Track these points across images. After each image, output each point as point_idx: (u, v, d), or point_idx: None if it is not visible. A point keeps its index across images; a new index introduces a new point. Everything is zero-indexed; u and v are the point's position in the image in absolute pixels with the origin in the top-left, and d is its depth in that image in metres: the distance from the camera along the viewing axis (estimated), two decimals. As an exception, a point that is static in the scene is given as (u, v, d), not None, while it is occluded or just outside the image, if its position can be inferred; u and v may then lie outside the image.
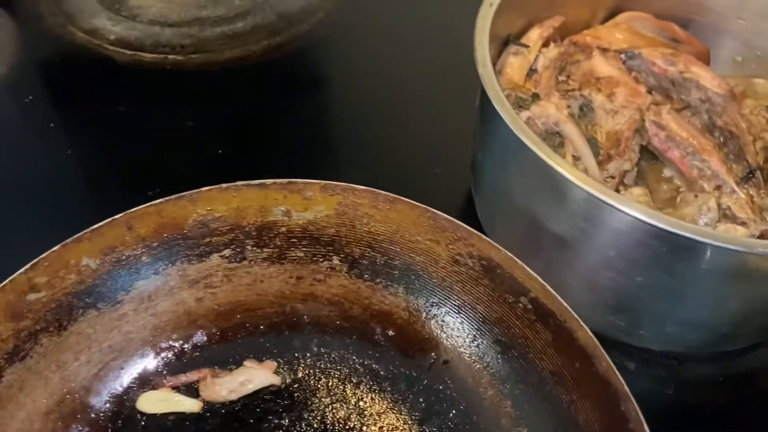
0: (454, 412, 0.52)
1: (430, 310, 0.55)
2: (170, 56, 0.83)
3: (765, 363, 0.59)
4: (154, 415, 0.53)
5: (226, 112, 0.79)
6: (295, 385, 0.54)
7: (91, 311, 0.53)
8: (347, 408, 0.53)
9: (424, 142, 0.75)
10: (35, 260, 0.50)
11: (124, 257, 0.53)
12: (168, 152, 0.73)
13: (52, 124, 0.75)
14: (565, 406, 0.47)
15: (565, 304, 0.46)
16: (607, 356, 0.44)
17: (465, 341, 0.53)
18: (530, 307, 0.49)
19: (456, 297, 0.53)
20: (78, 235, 0.51)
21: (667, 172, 0.62)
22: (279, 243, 0.57)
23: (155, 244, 0.54)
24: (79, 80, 0.81)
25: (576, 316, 0.45)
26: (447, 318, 0.54)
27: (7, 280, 0.49)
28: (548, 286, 0.47)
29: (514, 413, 0.50)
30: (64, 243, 0.51)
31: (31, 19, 0.87)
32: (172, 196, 0.53)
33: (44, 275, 0.50)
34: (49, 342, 0.51)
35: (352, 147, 0.75)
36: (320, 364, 0.55)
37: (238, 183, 0.54)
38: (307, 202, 0.55)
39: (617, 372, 0.43)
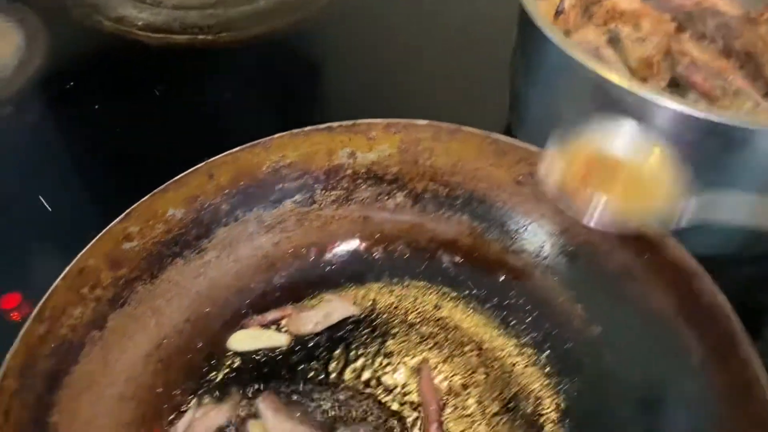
0: (528, 321, 0.55)
1: (495, 233, 0.58)
2: (199, 36, 0.86)
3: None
4: (246, 352, 0.56)
5: (260, 84, 0.82)
6: (373, 314, 0.58)
7: (178, 260, 0.56)
8: (426, 328, 0.57)
9: (454, 90, 0.79)
10: (127, 210, 0.53)
11: (205, 206, 0.57)
12: (211, 123, 0.76)
13: (96, 106, 0.77)
14: (636, 298, 0.51)
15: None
16: (674, 240, 0.48)
17: (531, 256, 0.57)
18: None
19: (520, 216, 0.57)
20: (164, 185, 0.54)
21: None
22: (346, 185, 0.60)
23: (233, 192, 0.57)
24: (115, 65, 0.84)
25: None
26: (512, 238, 0.58)
27: (104, 230, 0.52)
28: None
29: (585, 315, 0.54)
30: (152, 193, 0.54)
31: (57, 13, 0.90)
32: (247, 145, 0.57)
33: (136, 225, 0.53)
34: (143, 289, 0.54)
35: (385, 105, 0.78)
36: (394, 293, 0.59)
37: (306, 128, 0.58)
38: (371, 143, 0.59)
39: (687, 252, 0.47)
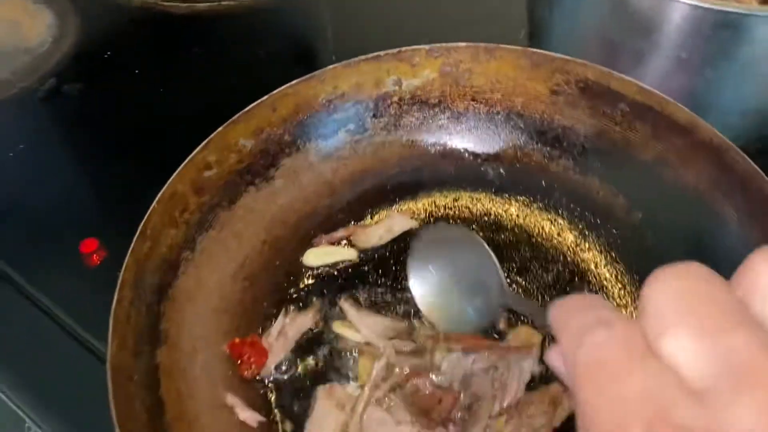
0: (574, 215, 0.61)
1: (534, 144, 0.64)
2: (223, 2, 0.91)
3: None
4: (319, 266, 0.61)
5: (286, 42, 0.87)
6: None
7: (251, 187, 0.61)
8: (479, 230, 0.62)
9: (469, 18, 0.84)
10: (205, 141, 0.58)
11: (271, 136, 0.61)
12: (246, 76, 0.80)
13: (137, 71, 0.82)
14: (672, 182, 0.57)
15: (662, 94, 0.56)
16: (705, 122, 0.54)
17: (569, 160, 0.63)
18: (628, 110, 0.59)
19: (557, 124, 0.63)
20: (234, 117, 0.59)
21: None
22: (393, 111, 0.65)
23: (294, 122, 0.62)
24: (146, 35, 0.88)
25: (672, 99, 0.55)
26: (551, 145, 0.63)
27: (187, 159, 0.56)
28: (644, 84, 0.56)
29: (626, 204, 0.60)
30: (225, 125, 0.59)
31: (82, -7, 0.94)
32: (303, 77, 0.62)
33: (214, 154, 0.58)
34: (224, 215, 0.59)
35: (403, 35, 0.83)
36: (446, 204, 0.64)
37: (355, 59, 0.63)
38: (415, 69, 0.64)
39: (718, 132, 0.53)
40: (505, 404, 0.51)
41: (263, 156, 0.61)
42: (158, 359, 0.50)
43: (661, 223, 0.58)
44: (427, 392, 0.51)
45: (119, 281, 0.49)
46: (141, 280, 0.51)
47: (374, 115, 0.65)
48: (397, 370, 0.53)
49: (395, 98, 0.65)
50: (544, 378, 0.53)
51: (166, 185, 0.55)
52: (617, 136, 0.60)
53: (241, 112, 0.59)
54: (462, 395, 0.51)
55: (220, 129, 0.58)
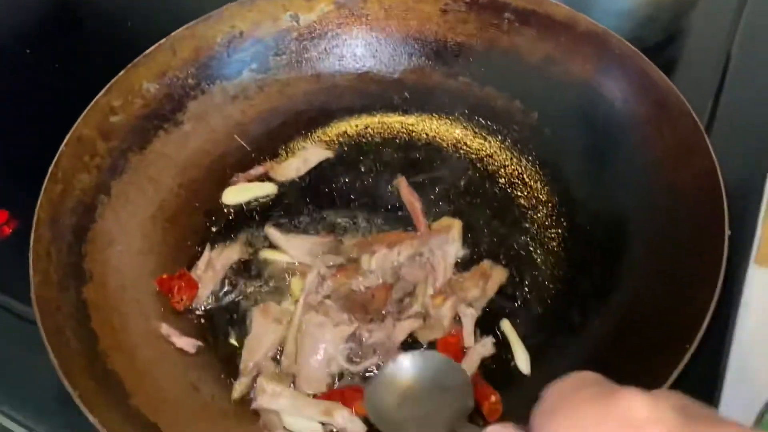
0: (475, 122, 0.65)
1: (433, 64, 0.67)
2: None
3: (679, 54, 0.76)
4: (239, 203, 0.62)
5: None
6: (344, 155, 0.65)
7: (160, 132, 0.61)
8: (391, 150, 0.64)
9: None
10: (108, 85, 0.57)
11: (174, 80, 0.61)
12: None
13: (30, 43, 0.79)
14: (560, 77, 0.61)
15: (540, -4, 0.60)
16: (582, 15, 0.59)
17: (467, 75, 0.66)
18: (513, 17, 0.62)
19: (451, 42, 0.66)
20: (134, 60, 0.59)
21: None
22: (294, 48, 0.67)
23: (196, 65, 0.63)
24: None
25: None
26: (449, 62, 0.66)
27: (91, 103, 0.56)
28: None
29: (522, 106, 0.64)
30: (126, 68, 0.58)
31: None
32: (201, 18, 0.62)
33: (118, 99, 0.58)
34: (136, 159, 0.59)
35: None
36: (358, 133, 0.66)
37: (251, -4, 0.64)
38: (310, 3, 0.65)
39: (595, 22, 0.58)
40: (438, 284, 0.53)
41: (169, 100, 0.61)
42: (85, 295, 0.49)
43: (556, 117, 0.62)
44: (361, 291, 0.53)
45: (34, 220, 0.48)
46: (57, 221, 0.50)
47: (276, 53, 0.66)
48: (328, 280, 0.54)
49: (294, 34, 0.66)
50: (471, 260, 0.56)
51: (71, 130, 0.54)
52: (507, 44, 0.64)
53: (141, 56, 0.59)
54: (394, 287, 0.53)
55: (121, 73, 0.58)
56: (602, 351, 0.49)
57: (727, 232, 0.47)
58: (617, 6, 0.67)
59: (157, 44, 0.60)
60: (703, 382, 0.51)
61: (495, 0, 0.63)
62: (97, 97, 0.56)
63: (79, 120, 0.54)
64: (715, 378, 0.51)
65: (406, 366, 0.47)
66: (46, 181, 0.51)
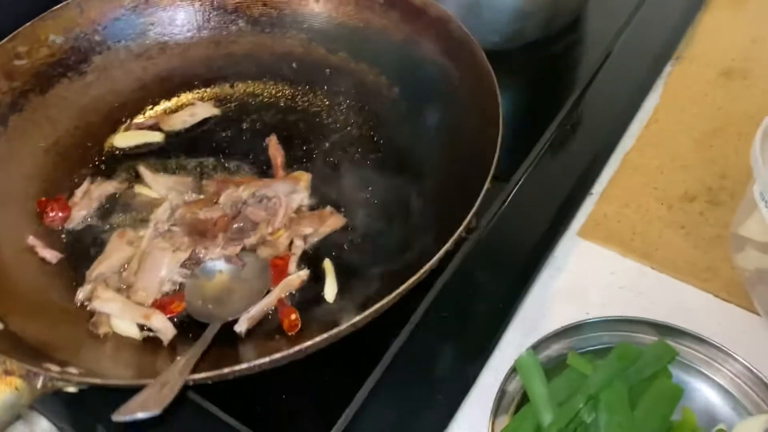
0: (351, 94, 0.72)
1: (318, 40, 0.74)
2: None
3: (561, 50, 0.83)
4: (127, 147, 0.70)
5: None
6: (229, 114, 0.73)
7: (64, 79, 0.69)
8: (272, 114, 0.72)
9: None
10: (14, 33, 0.66)
11: (80, 35, 0.70)
12: None
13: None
14: (415, 55, 0.68)
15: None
16: (435, 2, 0.66)
17: (345, 51, 0.73)
18: (382, 1, 0.70)
19: (335, 21, 0.73)
20: (42, 15, 0.68)
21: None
22: (196, 18, 0.75)
23: (103, 23, 0.71)
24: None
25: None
26: (332, 40, 0.74)
27: (-4, 47, 0.65)
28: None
29: (387, 81, 0.71)
30: (32, 21, 0.67)
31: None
32: (108, -19, 0.71)
33: (24, 45, 0.66)
34: (36, 100, 0.67)
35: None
36: (246, 96, 0.74)
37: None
38: (208, -26, 0.74)
39: (444, 9, 0.65)
40: (275, 225, 0.61)
41: (74, 52, 0.70)
42: (-37, 201, 0.58)
43: (411, 93, 0.69)
44: (203, 218, 0.60)
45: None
46: (-53, 138, 0.59)
47: (178, 21, 0.74)
48: (179, 210, 0.62)
49: (196, 3, 0.75)
50: (316, 208, 0.64)
51: (-26, 66, 0.63)
52: (378, 24, 0.71)
53: (48, 11, 0.68)
54: (236, 219, 0.61)
55: (27, 24, 0.67)
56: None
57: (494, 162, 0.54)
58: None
59: (65, 2, 0.69)
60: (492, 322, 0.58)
61: (367, -12, 0.71)
62: (1, 42, 0.65)
63: (-19, 61, 0.63)
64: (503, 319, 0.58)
65: (215, 264, 0.58)
66: (-58, 105, 0.59)
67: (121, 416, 0.39)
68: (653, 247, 0.63)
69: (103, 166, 0.68)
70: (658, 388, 0.51)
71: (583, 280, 0.62)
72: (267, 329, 0.55)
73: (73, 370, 0.45)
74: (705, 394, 0.53)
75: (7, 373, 0.44)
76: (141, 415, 0.38)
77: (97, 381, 0.43)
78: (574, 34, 0.84)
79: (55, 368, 0.43)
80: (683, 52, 0.81)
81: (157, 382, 0.41)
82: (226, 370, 0.42)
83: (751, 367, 0.51)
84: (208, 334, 0.50)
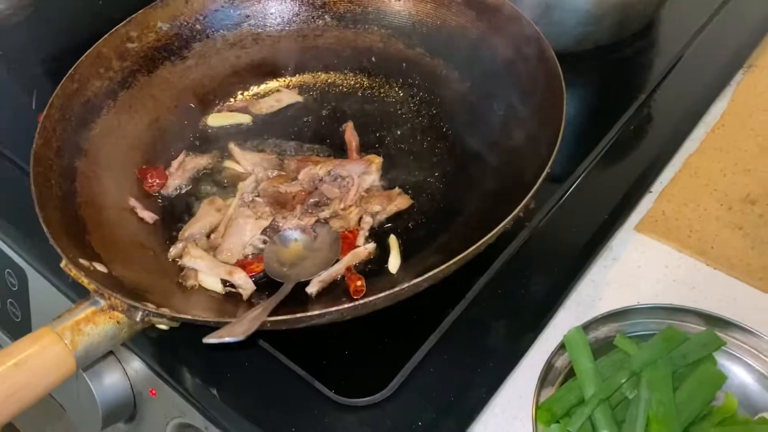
0: (425, 88, 0.77)
1: (398, 36, 0.80)
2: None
3: (631, 54, 0.85)
4: (219, 126, 0.77)
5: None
6: (312, 101, 0.79)
7: (167, 62, 0.77)
8: (350, 103, 0.78)
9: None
10: (128, 19, 0.74)
11: (184, 24, 0.78)
12: None
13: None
14: (490, 56, 0.72)
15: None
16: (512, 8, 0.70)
17: (423, 47, 0.78)
18: (460, 1, 0.75)
19: (414, 18, 0.78)
20: (152, 4, 0.76)
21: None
22: (286, 11, 0.81)
23: (204, 14, 0.79)
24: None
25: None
26: (410, 36, 0.79)
27: (112, 30, 0.73)
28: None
29: (458, 76, 0.75)
30: (143, 9, 0.75)
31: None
32: (214, -23, 0.78)
33: (135, 30, 0.74)
34: (143, 79, 0.75)
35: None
36: (327, 85, 0.80)
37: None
38: (302, -25, 0.80)
39: (516, 8, 0.69)
40: (347, 202, 0.66)
41: (178, 39, 0.78)
42: (77, 165, 0.66)
43: (481, 89, 0.73)
44: (283, 192, 0.66)
45: (49, 102, 0.65)
46: (67, 107, 0.67)
47: (271, 14, 0.81)
48: (262, 183, 0.68)
49: (288, 1, 0.81)
50: (385, 188, 0.69)
51: (92, 47, 0.71)
52: (454, 22, 0.76)
53: (158, 0, 0.76)
54: (312, 194, 0.66)
55: (139, 12, 0.75)
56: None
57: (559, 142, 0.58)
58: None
59: (173, -6, 0.77)
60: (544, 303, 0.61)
61: (449, -12, 0.75)
62: (117, 26, 0.73)
63: (100, 41, 0.72)
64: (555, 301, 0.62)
65: (292, 233, 0.64)
66: (64, 79, 0.68)
67: (211, 339, 0.45)
68: (709, 245, 0.65)
69: (197, 142, 0.76)
70: (702, 373, 0.53)
71: (638, 272, 0.65)
72: (335, 293, 0.61)
73: (165, 310, 0.51)
74: (748, 383, 0.55)
75: (112, 308, 0.51)
76: (228, 339, 0.44)
77: (189, 317, 0.50)
78: (645, 40, 0.86)
79: (151, 306, 0.50)
80: (756, 61, 0.82)
81: (241, 317, 0.47)
82: (299, 315, 0.48)
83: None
84: (284, 290, 0.56)
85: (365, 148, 0.73)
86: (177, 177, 0.71)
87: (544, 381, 0.54)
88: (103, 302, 0.51)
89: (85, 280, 0.52)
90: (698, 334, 0.55)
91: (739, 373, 0.55)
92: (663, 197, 0.70)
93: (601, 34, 0.82)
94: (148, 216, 0.67)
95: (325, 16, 0.82)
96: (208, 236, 0.66)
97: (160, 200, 0.70)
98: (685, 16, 0.88)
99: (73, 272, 0.53)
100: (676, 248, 0.66)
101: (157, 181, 0.70)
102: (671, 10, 0.88)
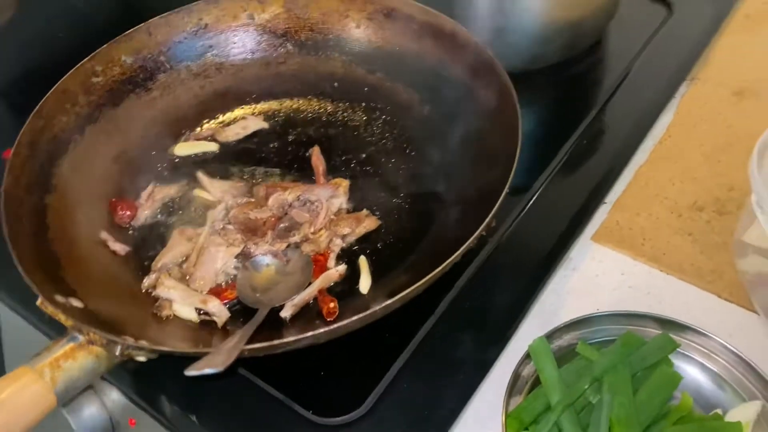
0: (387, 111, 0.80)
1: (359, 63, 0.82)
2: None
3: (581, 71, 0.89)
4: (186, 155, 0.78)
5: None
6: (277, 127, 0.81)
7: (132, 95, 0.78)
8: (314, 128, 0.80)
9: None
10: (92, 54, 0.75)
11: (149, 56, 0.79)
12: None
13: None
14: (446, 76, 0.75)
15: (435, 11, 0.75)
16: (462, 27, 0.73)
17: (386, 72, 0.81)
18: (417, 27, 0.77)
19: (373, 45, 0.81)
20: (116, 38, 0.77)
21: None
22: (248, 40, 0.83)
23: (167, 46, 0.80)
24: None
25: (441, 14, 0.75)
26: (371, 63, 0.82)
27: (77, 65, 0.74)
28: (424, 6, 0.76)
29: (419, 98, 0.78)
30: (108, 43, 0.76)
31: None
32: (174, 10, 0.80)
33: (100, 65, 0.76)
34: (110, 113, 0.76)
35: None
36: (292, 111, 0.82)
37: (217, -2, 0.81)
38: (263, 5, 0.82)
39: (470, 34, 0.72)
40: (317, 226, 0.68)
41: (142, 71, 0.79)
42: (46, 201, 0.67)
43: (440, 109, 0.76)
44: (254, 218, 0.68)
45: (17, 140, 0.66)
46: (35, 145, 0.68)
47: (233, 44, 0.83)
48: (232, 211, 0.70)
49: (251, 29, 0.83)
50: (353, 210, 0.71)
51: (58, 83, 0.72)
52: (412, 48, 0.79)
53: (122, 35, 0.77)
54: (282, 220, 0.68)
55: (104, 46, 0.76)
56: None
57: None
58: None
59: (136, 27, 0.78)
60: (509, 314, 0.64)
61: (405, 13, 0.78)
62: (82, 62, 0.74)
63: (65, 77, 0.73)
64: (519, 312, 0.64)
65: (263, 259, 0.66)
66: (30, 116, 0.68)
67: (191, 371, 0.46)
68: (662, 252, 0.69)
69: (165, 173, 0.77)
70: (659, 375, 0.56)
71: (596, 280, 0.68)
72: (308, 316, 0.63)
73: (144, 343, 0.52)
74: (702, 382, 0.58)
75: (90, 342, 0.52)
76: (208, 371, 0.46)
77: (167, 349, 0.51)
78: (594, 56, 0.90)
79: (130, 340, 0.51)
80: (698, 74, 0.87)
81: (219, 348, 0.49)
82: (276, 342, 0.50)
83: (745, 357, 0.56)
84: (259, 317, 0.58)
85: (332, 172, 0.75)
86: (147, 208, 0.72)
87: (512, 390, 0.56)
88: (81, 337, 0.52)
89: (62, 317, 0.53)
90: (654, 338, 0.58)
91: (693, 373, 0.58)
92: (617, 208, 0.73)
93: (552, 53, 0.86)
94: (120, 248, 0.68)
95: (287, 44, 0.84)
96: (181, 265, 0.67)
97: (131, 231, 0.71)
98: (631, 34, 0.92)
99: (50, 309, 0.54)
100: (630, 256, 0.69)
101: (128, 213, 0.71)
102: (617, 28, 0.92)
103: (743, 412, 0.56)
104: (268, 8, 0.83)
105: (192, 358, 0.50)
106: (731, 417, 0.55)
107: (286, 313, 0.62)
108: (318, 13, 0.82)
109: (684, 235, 0.70)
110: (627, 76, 0.87)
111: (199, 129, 0.81)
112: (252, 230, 0.68)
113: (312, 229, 0.68)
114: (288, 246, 0.67)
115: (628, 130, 0.81)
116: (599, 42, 0.91)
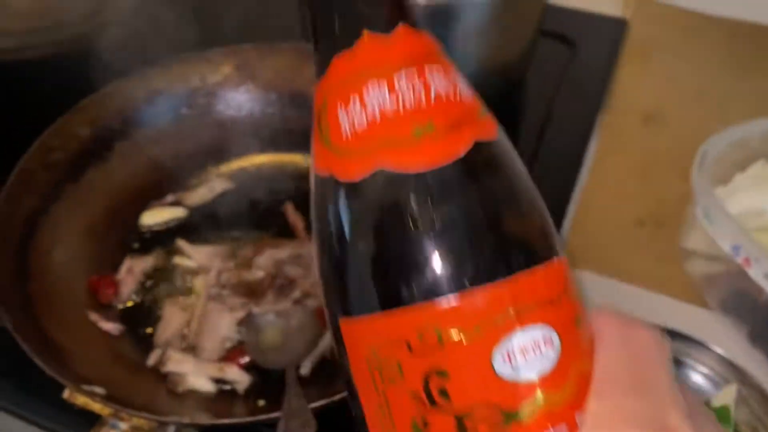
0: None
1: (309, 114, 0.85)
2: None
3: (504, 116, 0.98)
4: (155, 224, 0.77)
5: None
6: (243, 185, 0.82)
7: (91, 167, 0.76)
8: (285, 183, 0.82)
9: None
10: (48, 129, 0.72)
11: (103, 125, 0.77)
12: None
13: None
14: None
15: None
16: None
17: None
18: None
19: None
20: (70, 110, 0.74)
21: None
22: (201, 102, 0.83)
23: (121, 114, 0.78)
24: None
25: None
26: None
27: (35, 143, 0.71)
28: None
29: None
30: (62, 117, 0.74)
31: None
32: (126, 77, 0.78)
33: (57, 140, 0.73)
34: (72, 187, 0.73)
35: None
36: (256, 168, 0.83)
37: (168, 61, 0.80)
38: (214, 67, 0.83)
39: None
40: (313, 279, 0.70)
41: (99, 141, 0.77)
42: (29, 290, 0.63)
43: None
44: (250, 280, 0.68)
45: (-10, 228, 0.62)
46: (4, 238, 0.64)
47: (187, 106, 0.83)
48: (224, 275, 0.70)
49: (202, 91, 0.83)
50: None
51: (19, 163, 0.68)
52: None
53: (74, 107, 0.75)
54: (277, 278, 0.69)
55: (59, 120, 0.73)
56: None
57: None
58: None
59: (89, 97, 0.76)
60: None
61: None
62: (39, 138, 0.71)
63: (25, 156, 0.69)
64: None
65: (267, 319, 0.67)
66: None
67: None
68: (618, 266, 0.78)
69: (136, 244, 0.75)
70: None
71: (571, 299, 0.75)
72: (328, 369, 0.64)
73: (203, 416, 0.51)
74: (680, 376, 0.67)
75: (135, 429, 0.51)
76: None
77: (226, 421, 0.51)
78: (513, 101, 0.99)
79: (186, 418, 0.50)
80: (610, 101, 0.99)
81: (288, 414, 0.49)
82: (337, 397, 0.51)
83: (712, 347, 0.65)
84: (292, 377, 0.58)
85: (311, 227, 0.77)
86: (128, 283, 0.70)
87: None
88: (123, 425, 0.51)
89: (97, 406, 0.51)
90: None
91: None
92: (573, 233, 0.81)
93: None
94: (112, 328, 0.66)
95: (244, 104, 0.85)
96: (183, 336, 0.66)
97: (119, 306, 0.69)
98: (544, 74, 1.02)
99: (81, 400, 0.52)
100: (595, 273, 0.77)
101: (110, 291, 0.69)
102: (531, 70, 1.02)
103: (723, 398, 0.65)
104: (219, 69, 0.83)
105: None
106: (714, 404, 0.64)
107: (305, 370, 0.63)
108: (271, 71, 0.84)
109: (634, 248, 0.80)
110: (551, 112, 0.96)
111: (163, 195, 0.79)
112: (250, 293, 0.68)
113: (308, 284, 0.70)
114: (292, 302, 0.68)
115: (566, 162, 0.90)
116: (520, 85, 1.00)
